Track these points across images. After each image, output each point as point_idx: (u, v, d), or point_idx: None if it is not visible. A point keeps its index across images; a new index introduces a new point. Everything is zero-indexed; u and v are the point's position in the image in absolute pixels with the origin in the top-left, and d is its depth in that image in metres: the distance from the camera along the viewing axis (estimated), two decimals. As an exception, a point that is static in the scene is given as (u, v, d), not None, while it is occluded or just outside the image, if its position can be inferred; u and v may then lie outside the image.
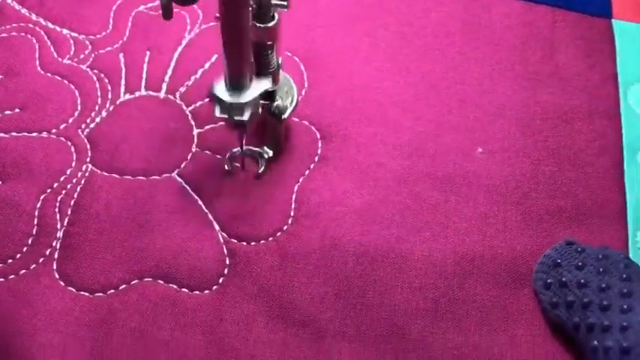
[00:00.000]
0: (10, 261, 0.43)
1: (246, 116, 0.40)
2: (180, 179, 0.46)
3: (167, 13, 0.38)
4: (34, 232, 0.44)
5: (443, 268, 0.42)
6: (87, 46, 0.52)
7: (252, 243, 0.44)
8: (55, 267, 0.43)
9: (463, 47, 0.52)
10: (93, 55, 0.51)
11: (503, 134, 0.48)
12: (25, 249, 0.43)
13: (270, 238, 0.44)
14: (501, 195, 0.45)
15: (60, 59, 0.51)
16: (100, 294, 0.42)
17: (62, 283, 0.42)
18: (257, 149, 0.46)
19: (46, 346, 0.40)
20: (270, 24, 0.40)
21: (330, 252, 0.43)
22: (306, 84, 0.50)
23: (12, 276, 0.42)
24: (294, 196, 0.45)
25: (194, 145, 0.48)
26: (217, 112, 0.40)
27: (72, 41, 0.52)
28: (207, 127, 0.48)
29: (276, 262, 0.43)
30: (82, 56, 0.51)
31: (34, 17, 0.53)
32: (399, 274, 0.42)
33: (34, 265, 0.43)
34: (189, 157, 0.47)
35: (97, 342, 0.40)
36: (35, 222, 0.44)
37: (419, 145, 0.47)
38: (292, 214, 0.45)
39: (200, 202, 0.45)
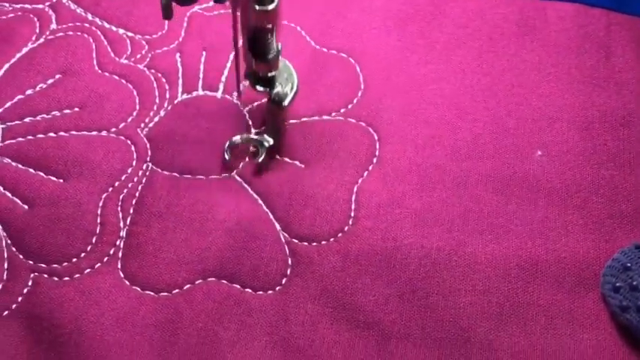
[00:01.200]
0: (74, 260, 0.43)
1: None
2: (239, 179, 0.46)
3: (167, 14, 0.38)
4: (98, 231, 0.44)
5: (506, 271, 0.42)
6: (143, 45, 0.52)
7: (314, 243, 0.44)
8: (119, 266, 0.43)
9: (519, 50, 0.52)
10: (150, 55, 0.52)
11: (562, 138, 0.48)
12: (89, 248, 0.44)
13: (332, 239, 0.44)
14: (562, 199, 0.45)
15: (117, 59, 0.51)
16: (166, 293, 0.42)
17: (127, 283, 0.43)
18: (257, 137, 0.46)
19: (114, 345, 0.40)
20: (270, 6, 0.38)
21: (392, 254, 0.43)
22: (362, 85, 0.50)
23: (77, 275, 0.43)
24: (353, 197, 0.46)
25: (252, 146, 0.48)
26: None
27: (128, 41, 0.52)
28: (264, 127, 0.49)
29: (339, 263, 0.43)
30: (138, 56, 0.52)
31: (89, 17, 0.53)
32: (462, 277, 0.42)
33: (98, 264, 0.43)
34: (247, 158, 0.47)
35: (165, 341, 0.40)
36: (98, 221, 0.44)
37: (477, 147, 0.47)
38: (352, 214, 0.45)
39: (260, 202, 0.46)
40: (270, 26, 0.39)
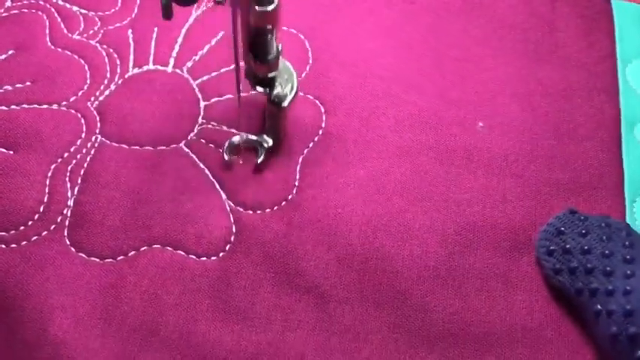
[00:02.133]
0: (22, 228, 0.44)
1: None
2: (187, 149, 0.47)
3: (167, 13, 0.39)
4: (45, 200, 0.45)
5: (444, 237, 0.44)
6: (96, 22, 0.53)
7: (258, 211, 0.45)
8: (66, 234, 0.44)
9: (466, 26, 0.53)
10: (102, 31, 0.52)
11: (503, 110, 0.49)
12: (36, 216, 0.44)
13: (276, 207, 0.45)
14: (500, 168, 0.46)
15: (70, 35, 0.52)
16: (110, 260, 0.43)
17: (73, 249, 0.43)
18: (256, 138, 0.46)
19: (58, 308, 0.41)
20: (270, 7, 0.39)
21: (334, 221, 0.44)
22: (311, 60, 0.51)
23: (24, 242, 0.43)
24: (298, 167, 0.47)
25: (200, 117, 0.49)
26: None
27: (81, 17, 0.53)
28: (213, 99, 0.49)
29: (282, 230, 0.44)
30: (91, 32, 0.52)
31: (44, -6, 0.54)
32: (401, 243, 0.43)
33: (45, 232, 0.44)
34: (195, 129, 0.48)
35: (108, 304, 0.41)
36: (46, 190, 0.45)
37: (421, 119, 0.48)
38: (297, 184, 0.46)
39: (207, 172, 0.46)
40: (269, 27, 0.40)
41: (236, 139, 0.46)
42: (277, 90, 0.44)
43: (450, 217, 0.44)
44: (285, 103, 0.44)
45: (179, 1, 0.38)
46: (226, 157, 0.46)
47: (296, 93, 0.45)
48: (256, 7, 0.38)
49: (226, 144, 0.46)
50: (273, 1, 0.38)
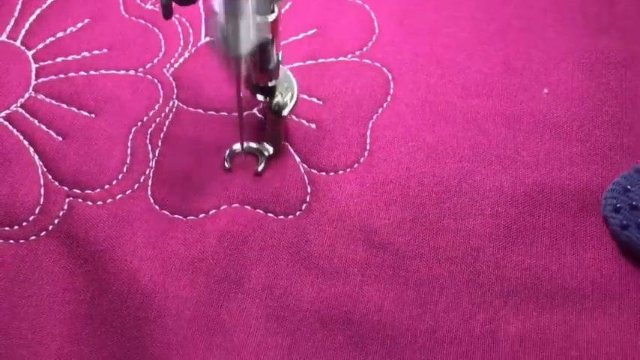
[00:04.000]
0: (107, 187, 0.46)
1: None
2: (260, 115, 0.49)
3: (167, 13, 0.39)
4: (128, 161, 0.47)
5: (513, 197, 0.45)
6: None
7: (331, 173, 0.47)
8: (149, 193, 0.46)
9: (527, -3, 0.54)
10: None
11: (567, 77, 0.50)
12: (120, 176, 0.46)
13: (349, 169, 0.47)
14: (566, 132, 0.48)
15: (143, 5, 0.54)
16: (193, 217, 0.45)
17: (157, 207, 0.45)
18: (257, 146, 0.47)
19: (147, 260, 0.43)
20: (271, 18, 0.39)
21: (406, 182, 0.46)
22: (377, 30, 0.53)
23: (109, 200, 0.45)
24: (369, 132, 0.48)
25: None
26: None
27: (154, -12, 0.55)
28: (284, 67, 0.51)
29: (355, 191, 0.46)
30: (163, 2, 0.54)
31: (116, -34, 0.56)
32: (472, 203, 0.45)
33: (129, 191, 0.46)
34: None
35: (194, 258, 0.43)
36: (129, 152, 0.47)
37: (487, 86, 0.50)
38: (368, 147, 0.47)
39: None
40: (270, 37, 0.40)
41: (237, 146, 0.47)
42: (277, 99, 0.45)
43: (519, 179, 0.46)
44: (285, 112, 0.45)
45: (179, 0, 0.39)
46: (227, 165, 0.46)
47: (296, 102, 0.45)
48: (257, 18, 0.38)
49: (227, 151, 0.47)
50: (274, 11, 0.39)
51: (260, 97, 0.45)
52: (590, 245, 0.43)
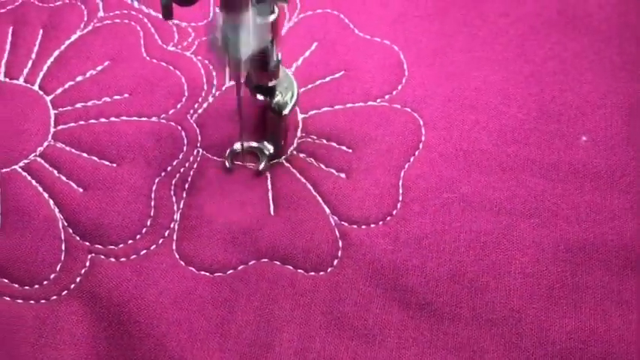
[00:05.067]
0: (130, 242, 0.44)
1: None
2: (287, 164, 0.47)
3: (167, 13, 0.39)
4: (152, 213, 0.45)
5: (555, 255, 0.43)
6: (190, 33, 0.53)
7: (363, 226, 0.45)
8: (174, 247, 0.44)
9: (560, 38, 0.52)
10: (196, 42, 0.52)
11: (606, 123, 0.48)
12: (144, 230, 0.44)
13: (381, 222, 0.45)
14: (607, 183, 0.46)
15: (164, 46, 0.52)
16: (220, 274, 0.43)
17: (182, 263, 0.43)
18: (258, 145, 0.46)
19: (174, 322, 0.41)
20: (271, 18, 0.39)
21: (441, 237, 0.44)
22: (407, 72, 0.51)
23: (133, 256, 0.44)
24: (400, 182, 0.46)
25: (299, 130, 0.49)
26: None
27: (175, 28, 0.53)
28: (311, 112, 0.49)
29: (389, 246, 0.44)
30: (185, 43, 0.52)
31: (135, 5, 0.54)
32: (511, 260, 0.43)
33: (154, 246, 0.44)
34: (295, 143, 0.48)
35: (223, 319, 0.41)
36: (152, 204, 0.45)
37: (522, 132, 0.48)
38: (401, 198, 0.46)
39: (309, 186, 0.46)
40: (269, 37, 0.40)
41: (237, 146, 0.46)
42: (277, 98, 0.44)
43: (560, 234, 0.44)
44: (286, 111, 0.44)
45: (179, 1, 0.38)
46: (228, 165, 0.46)
47: (296, 101, 0.45)
48: (257, 19, 0.38)
49: (228, 151, 0.46)
50: (274, 11, 0.39)
51: (260, 97, 0.44)
52: (636, 305, 0.42)
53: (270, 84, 0.43)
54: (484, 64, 0.51)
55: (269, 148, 0.46)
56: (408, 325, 0.41)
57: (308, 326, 0.41)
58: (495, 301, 0.42)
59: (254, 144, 0.46)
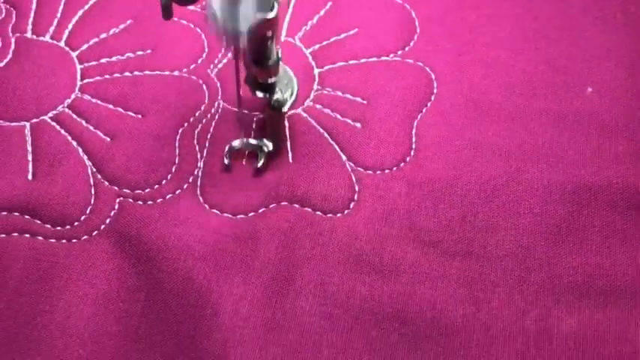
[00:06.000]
0: (156, 186, 0.46)
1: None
2: (305, 114, 0.49)
3: (167, 13, 0.39)
4: (177, 161, 0.47)
5: (562, 195, 0.45)
6: (209, -7, 0.55)
7: (378, 172, 0.47)
8: (198, 192, 0.46)
9: (567, -5, 0.54)
10: (215, 1, 0.54)
11: (610, 76, 0.50)
12: (169, 176, 0.47)
13: (395, 168, 0.47)
14: (612, 131, 0.48)
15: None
16: (242, 215, 0.45)
17: (207, 206, 0.46)
18: (257, 142, 0.47)
19: (200, 258, 0.43)
20: (270, 14, 0.38)
21: (453, 180, 0.46)
22: (418, 29, 0.53)
23: (160, 199, 0.46)
24: (414, 131, 0.48)
25: (316, 84, 0.51)
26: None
27: (195, -12, 0.55)
28: (326, 67, 0.51)
29: (403, 189, 0.46)
30: (204, 3, 0.54)
31: (156, -33, 0.56)
32: (521, 201, 0.45)
33: (179, 191, 0.46)
34: (312, 95, 0.50)
35: (246, 255, 0.43)
36: (177, 152, 0.47)
37: (530, 85, 0.50)
38: (414, 146, 0.48)
39: (326, 135, 0.48)
40: (270, 34, 0.40)
41: (236, 143, 0.47)
42: (277, 95, 0.45)
43: (567, 177, 0.46)
44: (285, 108, 0.45)
45: (179, 0, 0.39)
46: (226, 161, 0.46)
47: (296, 98, 0.45)
48: (257, 14, 0.38)
49: (226, 148, 0.47)
50: (274, 7, 0.38)
51: (260, 94, 0.45)
52: (639, 242, 0.44)
53: (270, 81, 0.44)
54: (493, 20, 0.53)
55: (268, 145, 0.47)
56: (421, 261, 0.43)
57: (326, 262, 0.43)
58: (505, 239, 0.44)
59: (253, 141, 0.47)
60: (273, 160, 0.47)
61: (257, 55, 0.41)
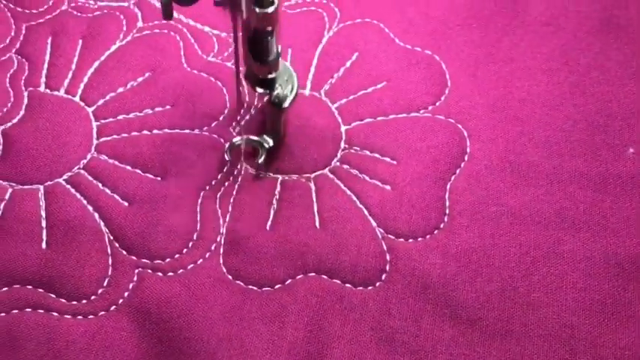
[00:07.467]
0: (177, 256, 0.44)
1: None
2: (332, 176, 0.47)
3: (167, 13, 0.38)
4: (198, 227, 0.45)
5: (606, 269, 0.43)
6: (230, 43, 0.53)
7: (410, 240, 0.44)
8: (221, 261, 0.44)
9: (603, 47, 0.52)
10: (237, 52, 0.52)
11: (653, 135, 0.48)
12: (190, 244, 0.44)
13: (428, 236, 0.44)
14: (657, 196, 0.45)
15: (204, 56, 0.52)
16: (268, 288, 0.43)
17: (230, 277, 0.43)
18: (257, 138, 0.46)
19: (225, 339, 0.41)
20: (270, 9, 0.38)
21: (490, 251, 0.44)
22: (449, 82, 0.51)
23: (181, 270, 0.43)
24: (447, 195, 0.46)
25: (342, 142, 0.48)
26: None
27: (214, 39, 0.53)
28: (354, 123, 0.49)
29: (438, 260, 0.43)
30: (226, 54, 0.52)
31: (175, 14, 0.54)
32: (563, 275, 0.43)
33: (201, 260, 0.44)
34: (339, 155, 0.48)
35: (273, 334, 0.41)
36: (198, 218, 0.45)
37: (569, 144, 0.47)
38: (447, 212, 0.45)
39: (354, 199, 0.46)
40: (270, 29, 0.40)
41: (237, 139, 0.47)
42: (277, 91, 0.44)
43: (610, 248, 0.43)
44: (286, 104, 0.44)
45: (179, 0, 0.38)
46: (227, 158, 0.46)
47: (296, 94, 0.45)
48: (257, 10, 0.38)
49: (227, 144, 0.46)
50: (274, 2, 0.38)
51: (260, 90, 0.44)
52: (690, 321, 0.41)
53: (270, 76, 0.43)
54: (527, 74, 0.51)
55: (269, 141, 0.46)
56: (459, 341, 0.41)
57: (358, 342, 0.41)
58: (547, 317, 0.41)
59: (254, 137, 0.46)
60: (298, 223, 0.45)
61: (257, 50, 0.40)
